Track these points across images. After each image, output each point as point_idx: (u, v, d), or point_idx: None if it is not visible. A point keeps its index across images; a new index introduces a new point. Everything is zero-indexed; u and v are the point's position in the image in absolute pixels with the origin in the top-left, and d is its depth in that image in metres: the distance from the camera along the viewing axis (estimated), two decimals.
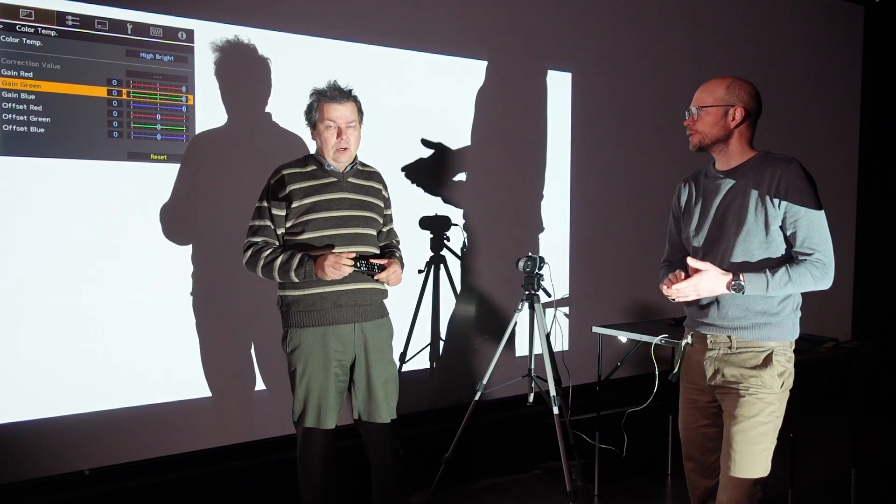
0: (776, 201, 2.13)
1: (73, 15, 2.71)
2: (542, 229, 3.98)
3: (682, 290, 2.16)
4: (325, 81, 2.60)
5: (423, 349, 3.62)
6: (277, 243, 2.56)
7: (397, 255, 2.70)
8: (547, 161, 4.00)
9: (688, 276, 2.16)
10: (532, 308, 3.25)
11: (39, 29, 2.66)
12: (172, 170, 2.92)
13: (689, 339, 2.33)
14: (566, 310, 4.03)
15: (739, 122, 2.19)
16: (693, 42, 4.54)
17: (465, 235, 3.66)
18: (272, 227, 2.54)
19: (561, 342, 3.32)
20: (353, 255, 2.47)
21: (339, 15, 3.29)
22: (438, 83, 3.59)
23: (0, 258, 2.64)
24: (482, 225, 3.78)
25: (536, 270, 3.23)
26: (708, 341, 2.26)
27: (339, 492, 2.66)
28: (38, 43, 2.65)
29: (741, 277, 2.12)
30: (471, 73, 3.71)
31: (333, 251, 2.48)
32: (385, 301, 2.70)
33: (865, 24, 5.46)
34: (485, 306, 3.79)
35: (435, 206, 3.61)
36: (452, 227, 3.65)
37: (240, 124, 3.08)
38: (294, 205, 2.52)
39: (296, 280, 2.50)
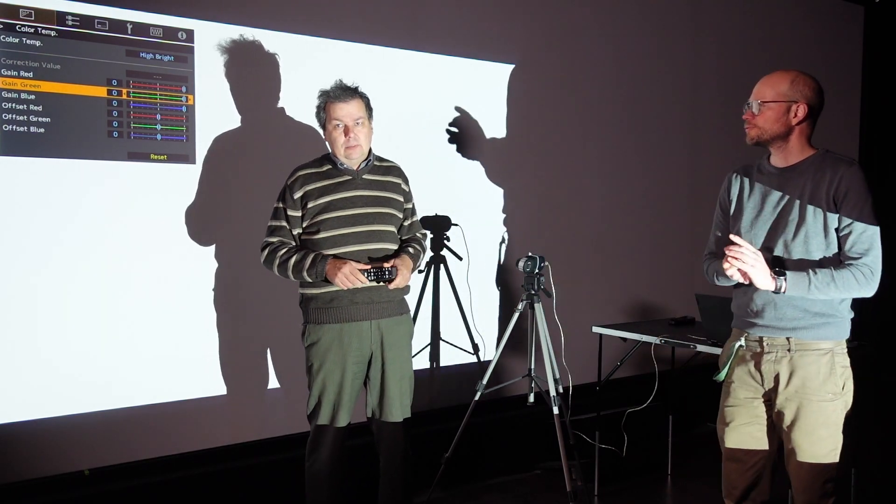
0: (834, 202, 2.09)
1: (73, 15, 2.71)
2: (539, 229, 3.98)
3: (745, 253, 2.06)
4: (331, 81, 2.61)
5: (423, 349, 3.62)
6: (293, 243, 2.60)
7: (410, 251, 2.69)
8: (545, 160, 4.00)
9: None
10: (532, 308, 3.25)
11: (39, 29, 2.66)
12: (173, 170, 2.92)
13: (742, 342, 2.26)
14: (566, 310, 4.03)
15: (802, 120, 2.15)
16: (693, 42, 4.54)
17: (463, 236, 3.65)
18: (288, 227, 2.59)
19: (561, 342, 3.32)
20: (368, 268, 2.50)
21: (338, 15, 3.29)
22: (436, 84, 3.59)
23: (0, 258, 2.64)
24: (482, 225, 3.78)
25: (536, 270, 3.23)
26: (764, 344, 2.20)
27: (344, 490, 2.67)
28: (38, 43, 2.65)
29: (784, 277, 2.07)
30: (471, 73, 3.71)
31: (349, 262, 2.49)
32: (406, 297, 2.71)
33: (865, 24, 5.46)
34: (485, 306, 3.79)
35: (435, 206, 3.60)
36: (452, 227, 3.65)
37: (254, 124, 3.09)
38: (310, 205, 2.55)
39: (308, 280, 2.54)
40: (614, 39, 4.22)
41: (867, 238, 2.10)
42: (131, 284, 2.86)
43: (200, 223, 2.99)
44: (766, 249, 2.18)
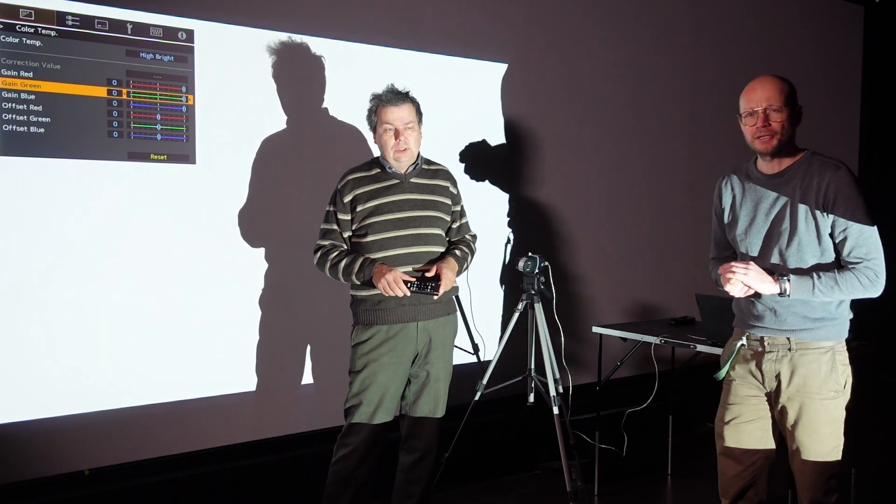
0: (826, 209, 2.10)
1: (73, 15, 2.71)
2: (538, 228, 3.98)
3: (736, 269, 2.12)
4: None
5: None
6: (345, 246, 2.65)
7: (458, 253, 2.71)
8: (545, 161, 4.00)
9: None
10: (532, 308, 3.25)
11: (39, 29, 2.66)
12: (173, 170, 2.92)
13: (743, 341, 2.28)
14: (566, 310, 4.03)
15: (798, 124, 2.18)
16: (693, 42, 4.54)
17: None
18: (338, 230, 2.64)
19: (561, 342, 3.32)
20: (412, 279, 2.54)
21: (338, 15, 3.29)
22: (435, 83, 3.59)
23: (0, 258, 2.64)
24: (483, 225, 3.77)
25: (536, 270, 3.23)
26: (766, 343, 2.22)
27: (369, 489, 2.67)
28: (38, 43, 2.65)
29: (787, 279, 2.10)
30: (473, 73, 3.71)
31: (395, 270, 2.52)
32: (454, 297, 2.76)
33: (865, 24, 5.46)
34: (485, 306, 3.79)
35: None
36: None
37: (254, 124, 3.11)
38: (359, 208, 2.60)
39: (357, 283, 2.59)
40: (614, 40, 4.22)
41: (865, 241, 2.10)
42: (131, 284, 2.86)
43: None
44: (763, 258, 2.21)
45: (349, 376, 2.67)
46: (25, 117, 2.64)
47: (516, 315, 3.27)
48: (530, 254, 3.26)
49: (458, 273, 2.69)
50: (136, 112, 2.84)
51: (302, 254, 2.91)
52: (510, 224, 3.89)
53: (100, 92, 2.77)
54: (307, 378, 3.28)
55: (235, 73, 3.04)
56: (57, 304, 2.73)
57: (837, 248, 2.13)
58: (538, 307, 3.23)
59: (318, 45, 3.23)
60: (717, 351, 2.65)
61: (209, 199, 3.00)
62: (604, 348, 3.53)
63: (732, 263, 2.16)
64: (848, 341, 2.24)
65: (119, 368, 2.85)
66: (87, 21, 2.74)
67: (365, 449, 2.61)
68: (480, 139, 3.76)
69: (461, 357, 3.71)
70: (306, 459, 3.17)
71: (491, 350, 3.68)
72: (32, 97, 2.65)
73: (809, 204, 2.12)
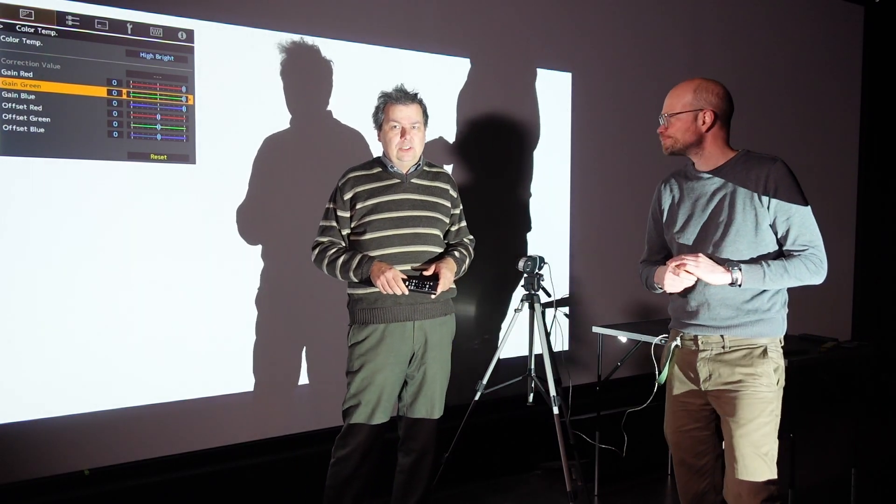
0: (766, 200, 2.13)
1: (73, 15, 2.71)
2: (529, 228, 3.98)
3: (686, 260, 2.13)
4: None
5: None
6: (343, 243, 2.65)
7: (456, 254, 2.71)
8: (545, 161, 4.00)
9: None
10: (532, 308, 3.25)
11: (39, 29, 2.66)
12: (173, 170, 2.92)
13: (678, 342, 2.31)
14: (566, 310, 4.03)
15: (710, 126, 2.19)
16: (693, 42, 4.54)
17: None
18: (337, 227, 2.64)
19: (561, 342, 3.32)
20: (409, 279, 2.54)
21: (339, 14, 3.29)
22: (435, 83, 3.60)
23: (0, 258, 2.64)
24: (482, 224, 3.78)
25: (536, 270, 3.23)
26: (699, 342, 2.24)
27: (369, 489, 2.67)
28: (38, 43, 2.65)
29: (738, 268, 2.11)
30: (466, 72, 3.71)
31: (393, 268, 2.52)
32: (452, 298, 2.74)
33: (865, 24, 5.46)
34: (484, 306, 3.79)
35: None
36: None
37: (255, 124, 3.10)
38: (358, 206, 2.61)
39: (355, 280, 2.58)
40: (614, 40, 4.22)
41: (808, 229, 2.14)
42: (131, 284, 2.86)
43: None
44: (696, 251, 2.22)
45: (346, 377, 2.67)
46: (25, 117, 2.64)
47: (516, 315, 3.27)
48: (530, 254, 3.26)
49: (457, 275, 2.68)
50: (136, 112, 2.84)
51: (300, 254, 2.91)
52: (508, 222, 3.89)
53: (100, 92, 2.77)
54: (303, 378, 3.28)
55: (235, 73, 3.04)
56: (57, 304, 2.73)
57: (780, 239, 2.16)
58: (538, 307, 3.24)
59: (317, 45, 3.23)
60: None
61: (209, 199, 3.00)
62: (604, 348, 3.53)
63: (682, 255, 2.17)
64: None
65: (119, 368, 2.85)
66: (87, 21, 2.74)
67: (364, 450, 2.61)
68: (480, 140, 3.76)
69: (461, 357, 3.72)
70: (306, 459, 3.17)
71: (490, 350, 3.69)
72: (32, 97, 2.65)
73: (748, 195, 2.15)
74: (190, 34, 2.94)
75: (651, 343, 2.92)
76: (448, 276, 2.60)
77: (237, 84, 3.05)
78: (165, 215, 2.92)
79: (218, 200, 3.03)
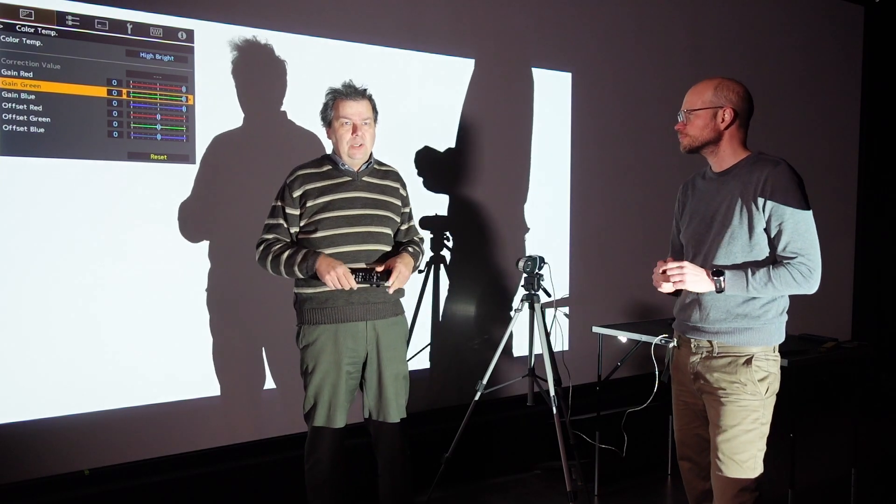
0: (760, 202, 2.11)
1: (73, 15, 2.71)
2: (527, 229, 3.98)
3: (670, 269, 2.13)
4: (331, 81, 2.62)
5: (424, 349, 3.62)
6: (289, 241, 2.60)
7: (410, 251, 2.69)
8: (545, 161, 4.00)
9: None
10: (532, 308, 3.25)
11: (39, 29, 2.66)
12: (173, 170, 2.92)
13: (675, 342, 2.34)
14: (566, 310, 4.03)
15: (729, 124, 2.18)
16: (693, 42, 4.54)
17: (451, 238, 3.65)
18: (285, 225, 2.58)
19: (561, 342, 3.32)
20: (357, 268, 2.50)
21: (339, 15, 3.29)
22: (434, 83, 3.60)
23: (0, 258, 2.64)
24: (483, 224, 3.78)
25: (536, 270, 3.23)
26: (692, 345, 2.25)
27: (345, 491, 2.67)
28: (38, 43, 2.65)
29: (722, 277, 2.10)
30: (464, 72, 3.71)
31: (342, 264, 2.48)
32: (402, 299, 2.71)
33: (865, 24, 5.46)
34: (484, 306, 3.79)
35: (435, 206, 3.61)
36: (452, 226, 3.65)
37: (255, 124, 3.09)
38: (308, 204, 2.56)
39: (300, 275, 2.53)
40: (614, 40, 4.22)
41: (801, 235, 2.09)
42: (131, 284, 2.86)
43: (194, 222, 2.98)
44: (696, 251, 2.23)
45: (302, 378, 2.63)
46: (25, 117, 2.64)
47: (516, 315, 3.27)
48: (530, 254, 3.26)
49: (412, 270, 2.65)
50: (136, 112, 2.84)
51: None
52: (508, 222, 3.89)
53: (100, 92, 2.77)
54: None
55: (235, 73, 3.04)
56: (57, 304, 2.73)
57: (773, 243, 2.13)
58: (538, 307, 3.24)
59: (318, 45, 3.23)
60: None
61: (209, 199, 3.00)
62: (604, 348, 3.53)
63: (665, 267, 2.14)
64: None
65: (119, 368, 2.85)
66: (87, 21, 2.74)
67: (331, 453, 2.59)
68: (480, 140, 3.76)
69: (461, 357, 3.72)
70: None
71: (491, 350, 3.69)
72: (32, 97, 2.65)
73: (747, 198, 2.14)
74: (190, 34, 2.94)
75: (651, 343, 2.92)
76: (405, 272, 2.57)
77: (237, 84, 3.05)
78: (165, 215, 2.92)
79: (218, 200, 3.03)
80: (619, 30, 4.23)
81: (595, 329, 3.54)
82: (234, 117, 3.05)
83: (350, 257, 2.55)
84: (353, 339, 2.57)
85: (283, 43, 3.15)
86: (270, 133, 3.15)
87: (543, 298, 3.27)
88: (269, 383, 3.21)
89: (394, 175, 2.74)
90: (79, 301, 2.77)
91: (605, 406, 3.54)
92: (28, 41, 2.64)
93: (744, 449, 2.16)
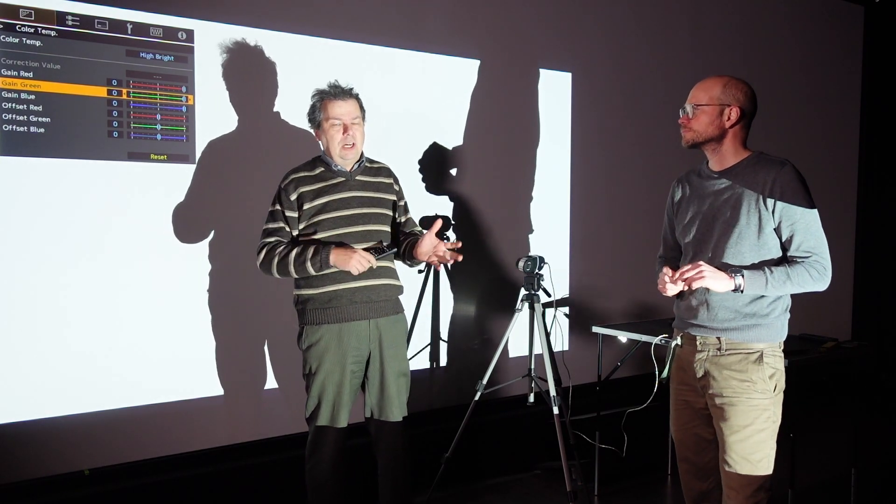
0: (770, 203, 2.11)
1: (73, 15, 2.71)
2: (531, 230, 3.98)
3: (688, 274, 2.08)
4: (326, 81, 2.61)
5: (423, 349, 3.62)
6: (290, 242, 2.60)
7: (418, 232, 2.71)
8: (545, 161, 4.00)
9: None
10: (532, 308, 3.25)
11: (39, 29, 2.66)
12: (173, 170, 2.92)
13: (678, 341, 2.32)
14: (566, 310, 4.03)
15: (734, 123, 2.18)
16: (693, 42, 4.54)
17: (455, 236, 3.65)
18: (287, 228, 2.58)
19: (561, 342, 3.32)
20: (372, 254, 2.52)
21: (339, 15, 3.29)
22: (434, 83, 3.60)
23: (0, 258, 2.64)
24: (482, 224, 3.78)
25: (536, 270, 3.23)
26: (697, 343, 2.24)
27: (346, 491, 2.67)
28: (38, 43, 2.65)
29: (741, 275, 2.10)
30: (466, 72, 3.71)
31: (356, 249, 2.49)
32: (401, 297, 2.72)
33: (865, 24, 5.47)
34: (484, 306, 3.79)
35: (435, 206, 3.61)
36: (452, 226, 3.65)
37: (251, 126, 3.09)
38: (305, 206, 2.56)
39: (312, 271, 2.51)
40: (614, 40, 4.22)
41: (813, 235, 2.12)
42: (131, 284, 2.86)
43: (194, 223, 2.98)
44: (701, 249, 2.22)
45: (305, 380, 2.63)
46: (25, 117, 2.64)
47: (516, 315, 3.27)
48: (530, 254, 3.26)
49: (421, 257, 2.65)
50: (136, 112, 2.84)
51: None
52: (508, 222, 3.89)
53: (100, 92, 2.77)
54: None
55: (236, 73, 3.04)
56: (57, 304, 2.73)
57: (784, 244, 2.14)
58: (538, 307, 3.24)
59: (319, 45, 3.23)
60: None
61: (210, 199, 3.00)
62: (604, 348, 3.53)
63: (684, 270, 2.11)
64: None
65: (119, 368, 2.85)
66: (87, 21, 2.74)
67: (333, 453, 2.59)
68: (480, 140, 3.76)
69: (462, 357, 3.72)
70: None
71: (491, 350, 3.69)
72: (32, 97, 2.65)
73: (753, 197, 2.14)
74: (190, 34, 2.94)
75: (651, 343, 2.92)
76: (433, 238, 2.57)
77: (237, 84, 3.05)
78: (165, 215, 2.92)
79: (220, 201, 3.03)
80: (620, 30, 4.23)
81: (595, 329, 3.54)
82: (234, 117, 3.05)
83: None
84: (356, 338, 2.58)
85: (283, 43, 3.15)
86: (271, 133, 3.15)
87: (543, 298, 3.26)
88: (271, 383, 3.21)
89: (385, 171, 2.74)
90: (79, 301, 2.77)
91: (605, 406, 3.53)
92: (28, 41, 2.64)
93: (758, 448, 2.15)
